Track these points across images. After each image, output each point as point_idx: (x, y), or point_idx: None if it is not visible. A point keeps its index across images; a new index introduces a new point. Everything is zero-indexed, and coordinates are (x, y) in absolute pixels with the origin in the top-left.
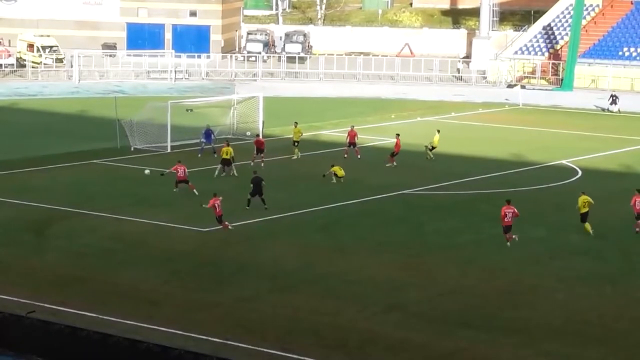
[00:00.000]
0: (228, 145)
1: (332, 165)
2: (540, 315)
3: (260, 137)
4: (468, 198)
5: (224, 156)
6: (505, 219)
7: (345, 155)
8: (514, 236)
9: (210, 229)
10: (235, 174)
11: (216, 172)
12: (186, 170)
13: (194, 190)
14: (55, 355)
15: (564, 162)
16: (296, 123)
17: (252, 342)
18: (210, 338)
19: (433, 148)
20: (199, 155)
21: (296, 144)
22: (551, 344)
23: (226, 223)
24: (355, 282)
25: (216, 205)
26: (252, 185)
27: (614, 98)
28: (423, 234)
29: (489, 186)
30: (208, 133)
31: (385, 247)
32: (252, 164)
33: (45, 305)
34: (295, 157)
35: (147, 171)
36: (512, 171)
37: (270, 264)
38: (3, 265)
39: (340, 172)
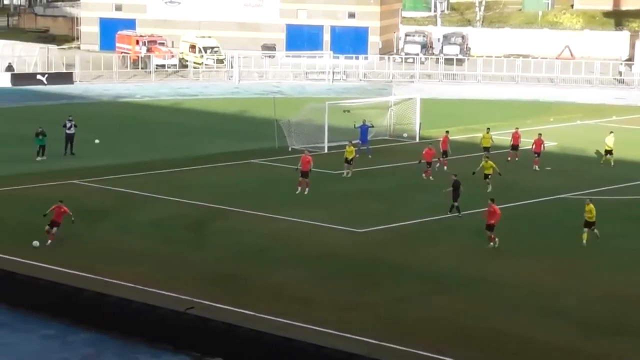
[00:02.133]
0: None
1: (486, 158)
2: None
3: (446, 137)
4: (628, 203)
5: (348, 155)
6: None
7: (509, 158)
8: None
9: (366, 230)
10: (350, 175)
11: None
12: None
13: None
14: (212, 351)
15: None
16: (488, 129)
17: (405, 343)
18: (363, 338)
19: (608, 152)
20: (370, 156)
21: (487, 151)
22: None
23: (52, 234)
24: (509, 286)
25: (56, 210)
26: (452, 189)
27: None
28: (580, 239)
29: None
30: (364, 129)
31: (540, 251)
32: (445, 168)
33: (203, 301)
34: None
35: (35, 243)
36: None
37: (425, 266)
38: (166, 261)
39: (489, 169)
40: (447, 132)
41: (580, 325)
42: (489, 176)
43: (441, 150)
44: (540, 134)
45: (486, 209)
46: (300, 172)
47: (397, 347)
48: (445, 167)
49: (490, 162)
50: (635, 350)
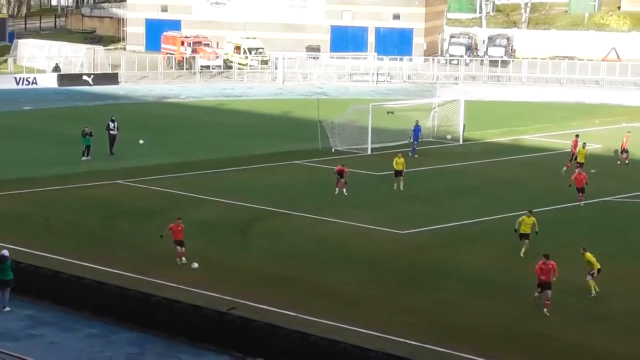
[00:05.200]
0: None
1: (530, 213)
2: None
3: (575, 140)
4: None
5: (398, 167)
6: None
7: (618, 162)
8: None
9: (409, 232)
10: (402, 188)
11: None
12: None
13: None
14: (254, 352)
15: None
16: (584, 144)
17: (451, 346)
18: (408, 341)
19: (624, 151)
20: (416, 156)
21: (581, 166)
22: None
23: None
24: (557, 291)
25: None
26: None
27: None
28: (628, 243)
29: None
30: (417, 130)
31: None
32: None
33: (248, 302)
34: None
35: (194, 265)
36: None
37: (470, 269)
38: (212, 262)
39: (527, 228)
40: (577, 135)
41: (631, 330)
42: (527, 237)
43: (572, 153)
44: (629, 131)
45: (540, 265)
46: (335, 174)
47: (442, 350)
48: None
49: (532, 218)
50: None
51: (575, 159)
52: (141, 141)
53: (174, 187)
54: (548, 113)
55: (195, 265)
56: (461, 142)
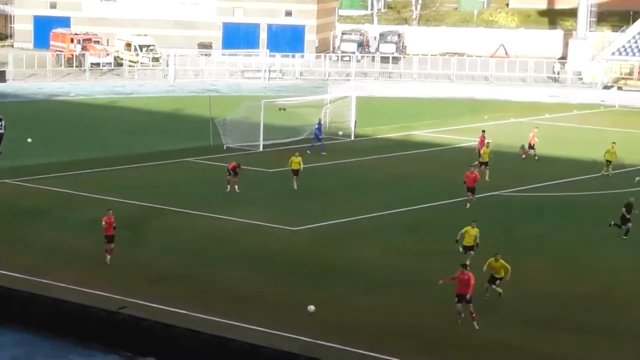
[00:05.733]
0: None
1: (473, 226)
2: (633, 320)
3: (482, 137)
4: (561, 200)
5: (294, 167)
6: None
7: (524, 157)
8: None
9: (300, 228)
10: (295, 186)
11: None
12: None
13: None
14: (145, 351)
15: None
16: (488, 143)
17: (341, 342)
18: (299, 337)
19: (531, 146)
20: (308, 152)
21: (485, 165)
22: None
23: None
24: (451, 286)
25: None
26: (624, 209)
27: None
28: (515, 235)
29: (582, 188)
30: (319, 128)
31: (475, 248)
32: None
33: (139, 301)
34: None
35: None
36: (607, 173)
37: (359, 265)
38: (102, 261)
39: (470, 240)
40: (484, 131)
41: (520, 321)
42: (471, 249)
43: (478, 151)
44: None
45: (455, 276)
46: (228, 171)
47: (333, 345)
48: (487, 177)
49: (476, 229)
50: (573, 345)
51: (480, 156)
52: (29, 140)
53: (63, 186)
54: (438, 109)
55: (312, 308)
56: (353, 138)
